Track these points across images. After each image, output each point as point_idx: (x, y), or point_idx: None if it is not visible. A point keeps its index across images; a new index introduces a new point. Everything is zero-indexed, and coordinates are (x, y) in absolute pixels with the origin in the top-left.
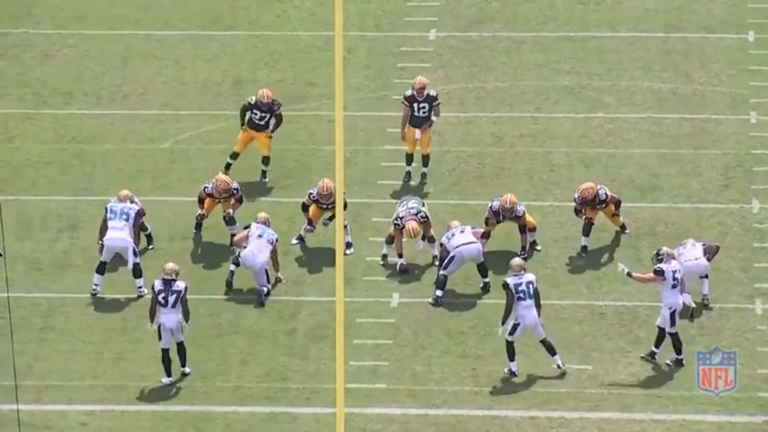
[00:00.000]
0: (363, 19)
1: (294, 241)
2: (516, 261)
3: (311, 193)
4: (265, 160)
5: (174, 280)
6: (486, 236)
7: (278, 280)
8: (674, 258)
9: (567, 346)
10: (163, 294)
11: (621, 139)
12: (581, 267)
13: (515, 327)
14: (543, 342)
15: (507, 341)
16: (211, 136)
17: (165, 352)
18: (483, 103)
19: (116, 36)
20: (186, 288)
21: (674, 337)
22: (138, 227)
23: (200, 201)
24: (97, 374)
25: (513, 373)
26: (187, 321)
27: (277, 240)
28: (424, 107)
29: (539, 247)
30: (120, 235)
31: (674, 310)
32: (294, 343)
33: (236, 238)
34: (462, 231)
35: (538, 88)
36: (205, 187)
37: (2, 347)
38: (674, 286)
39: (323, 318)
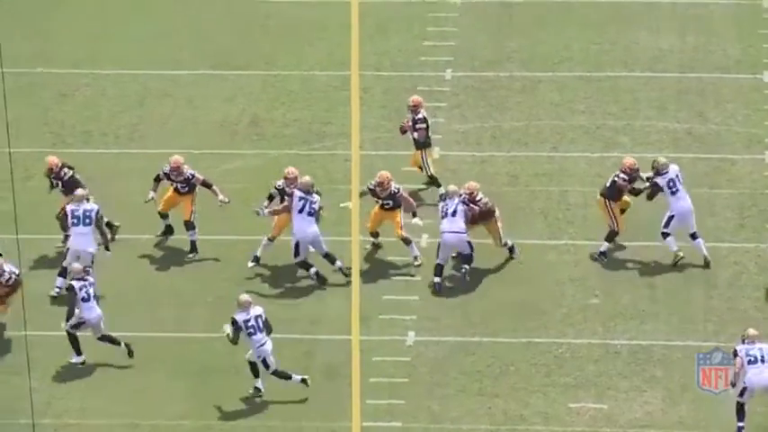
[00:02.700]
0: (380, 59)
1: (251, 264)
2: (243, 298)
3: (277, 185)
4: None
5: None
6: (473, 220)
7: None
8: (754, 342)
9: (582, 385)
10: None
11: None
12: (596, 306)
13: (259, 363)
14: (274, 373)
15: (250, 362)
16: (229, 174)
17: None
18: (499, 142)
19: (132, 75)
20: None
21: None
22: (100, 225)
23: (157, 179)
24: (113, 413)
25: (257, 390)
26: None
27: (321, 208)
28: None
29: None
30: (84, 240)
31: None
32: (310, 381)
33: (273, 210)
34: (454, 214)
35: (554, 128)
36: (162, 169)
37: (20, 385)
38: (751, 362)
39: (339, 356)
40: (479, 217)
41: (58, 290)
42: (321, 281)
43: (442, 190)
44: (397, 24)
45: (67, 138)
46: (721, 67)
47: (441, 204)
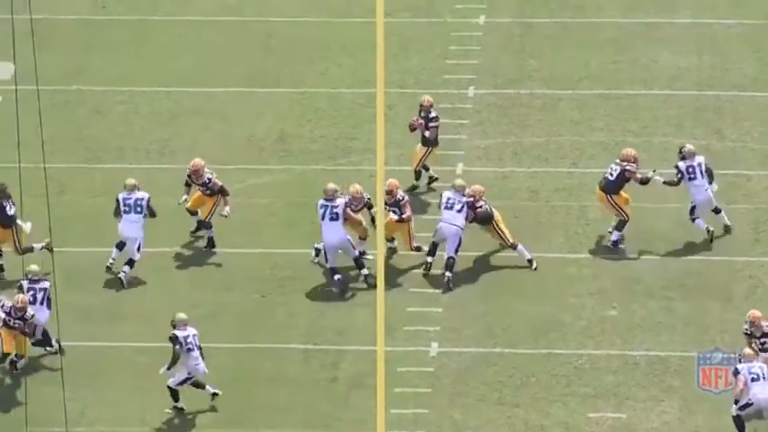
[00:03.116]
0: (404, 77)
1: (315, 259)
2: (180, 316)
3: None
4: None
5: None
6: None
7: None
8: (754, 359)
9: (601, 395)
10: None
11: (655, 194)
12: (614, 318)
13: (187, 379)
14: (194, 384)
15: (171, 388)
16: (256, 189)
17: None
18: (520, 158)
19: (165, 93)
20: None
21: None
22: (152, 212)
23: (187, 184)
24: (145, 421)
25: (180, 409)
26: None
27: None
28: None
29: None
30: (133, 227)
31: (751, 406)
32: (336, 391)
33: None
34: (460, 211)
35: (573, 144)
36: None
37: (54, 394)
38: (755, 380)
39: (364, 367)
40: (475, 220)
41: (112, 261)
42: (342, 286)
43: (418, 183)
44: (421, 43)
45: (101, 153)
46: (738, 85)
47: (446, 195)
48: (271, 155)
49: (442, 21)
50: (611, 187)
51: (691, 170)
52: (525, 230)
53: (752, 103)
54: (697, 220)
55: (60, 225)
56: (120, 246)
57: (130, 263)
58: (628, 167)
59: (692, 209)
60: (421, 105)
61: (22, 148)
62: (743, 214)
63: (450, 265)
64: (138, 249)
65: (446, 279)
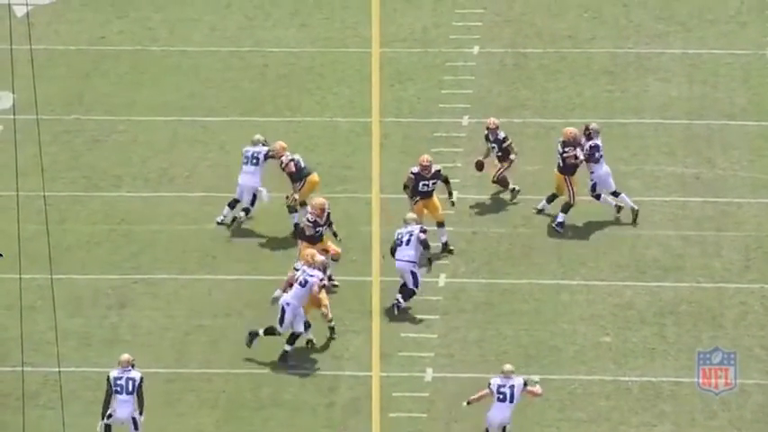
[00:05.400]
0: (399, 106)
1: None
2: (124, 357)
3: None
4: None
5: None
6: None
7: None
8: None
9: (594, 420)
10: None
11: (647, 221)
12: (608, 344)
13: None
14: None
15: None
16: (254, 216)
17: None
18: (514, 185)
19: (163, 122)
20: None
21: None
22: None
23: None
24: None
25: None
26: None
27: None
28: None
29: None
30: (251, 178)
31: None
32: (332, 416)
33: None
34: (408, 243)
35: None
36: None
37: (55, 419)
38: (499, 400)
39: (360, 391)
40: None
41: (223, 217)
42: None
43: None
44: (416, 73)
45: (100, 182)
46: (728, 114)
47: (396, 232)
48: (268, 182)
49: (437, 51)
50: (566, 170)
51: (600, 148)
52: (519, 257)
53: (741, 132)
54: (603, 197)
55: (60, 252)
56: (232, 204)
57: (246, 210)
58: (566, 155)
59: (594, 186)
60: (487, 128)
61: (22, 177)
62: (733, 241)
63: (407, 293)
64: (265, 198)
65: (395, 301)
